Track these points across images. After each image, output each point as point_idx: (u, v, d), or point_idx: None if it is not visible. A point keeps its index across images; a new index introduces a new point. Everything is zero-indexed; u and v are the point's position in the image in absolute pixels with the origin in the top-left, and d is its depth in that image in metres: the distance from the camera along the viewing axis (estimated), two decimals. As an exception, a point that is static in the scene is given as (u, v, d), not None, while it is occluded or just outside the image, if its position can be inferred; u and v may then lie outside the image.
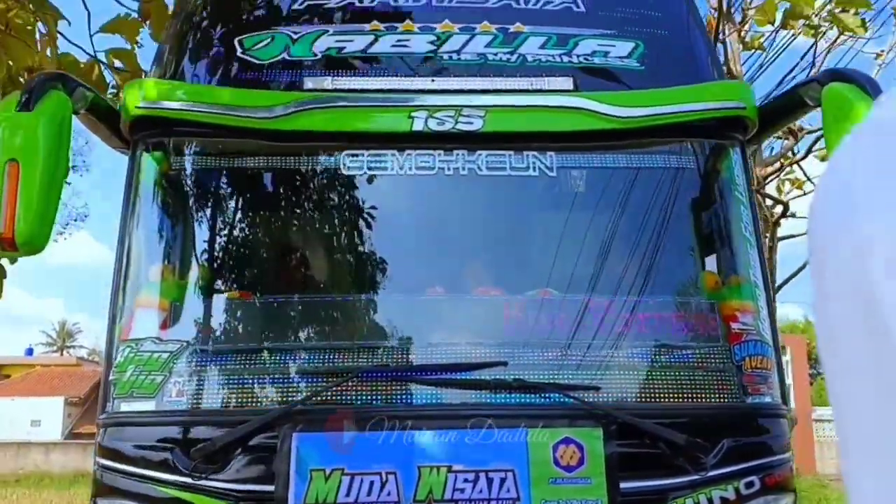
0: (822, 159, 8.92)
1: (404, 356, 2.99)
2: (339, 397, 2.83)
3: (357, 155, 3.21)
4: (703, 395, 2.93)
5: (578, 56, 3.43)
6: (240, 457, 2.73)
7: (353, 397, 2.82)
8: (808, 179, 9.09)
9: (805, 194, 9.38)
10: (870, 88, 2.89)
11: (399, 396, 2.86)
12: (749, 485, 2.79)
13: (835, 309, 0.55)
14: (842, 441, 0.55)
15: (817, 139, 9.14)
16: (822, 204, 0.58)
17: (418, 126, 3.16)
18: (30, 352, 43.97)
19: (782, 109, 3.44)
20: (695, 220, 3.42)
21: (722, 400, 2.95)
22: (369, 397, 2.83)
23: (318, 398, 2.82)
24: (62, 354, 54.83)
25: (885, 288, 0.49)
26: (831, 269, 0.55)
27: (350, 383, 2.84)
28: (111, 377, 2.88)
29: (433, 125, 3.16)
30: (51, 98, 2.78)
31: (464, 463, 2.69)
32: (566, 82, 3.34)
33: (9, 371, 38.50)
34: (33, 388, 33.67)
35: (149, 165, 3.24)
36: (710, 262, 3.35)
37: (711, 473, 2.77)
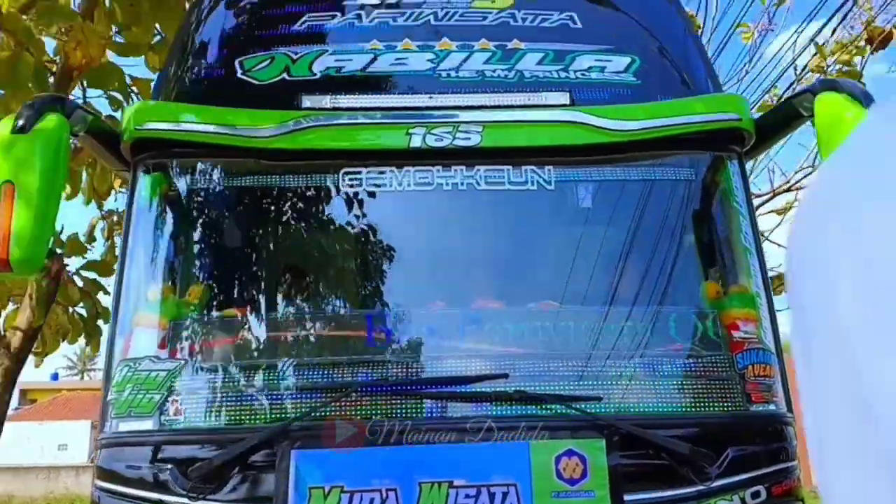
0: (779, 214, 9.36)
1: (403, 370, 2.92)
2: (337, 413, 2.76)
3: (356, 172, 3.19)
4: (707, 404, 2.86)
5: (575, 71, 3.40)
6: (238, 475, 2.67)
7: (352, 413, 2.76)
8: (764, 236, 9.63)
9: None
10: (863, 98, 2.85)
11: (398, 411, 2.79)
12: (755, 494, 2.71)
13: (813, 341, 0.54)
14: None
15: (761, 204, 9.82)
16: (800, 235, 0.57)
17: (416, 142, 3.13)
18: (55, 377, 44.26)
19: (778, 120, 3.37)
20: (695, 231, 3.36)
21: (725, 409, 2.87)
22: (368, 412, 2.76)
23: (316, 414, 2.76)
24: (83, 378, 55.18)
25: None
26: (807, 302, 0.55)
27: (348, 399, 2.78)
28: (109, 397, 2.84)
29: (431, 141, 3.13)
30: (48, 120, 2.76)
31: (465, 478, 2.63)
32: (563, 97, 3.31)
33: (35, 396, 38.81)
34: (60, 413, 33.89)
35: (149, 186, 3.22)
36: (711, 272, 3.30)
37: (716, 484, 2.69)
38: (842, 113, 2.84)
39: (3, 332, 6.06)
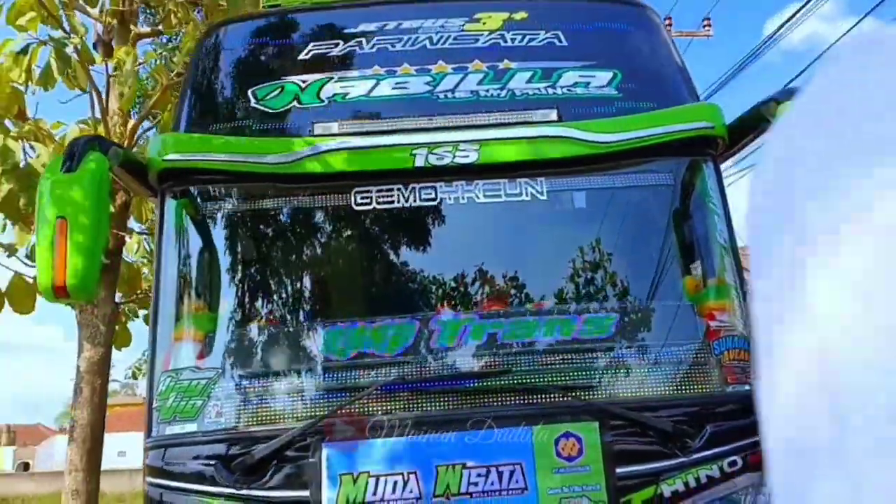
0: None
1: (419, 369, 3.11)
2: (362, 409, 2.98)
3: (366, 191, 3.36)
4: (688, 387, 3.05)
5: (562, 87, 3.55)
6: (277, 467, 2.89)
7: (375, 409, 2.97)
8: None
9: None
10: None
11: (416, 404, 3.00)
12: (732, 464, 2.89)
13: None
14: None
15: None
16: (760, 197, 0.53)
17: (419, 162, 3.30)
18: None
19: (747, 126, 3.48)
20: (675, 231, 3.51)
21: (704, 390, 3.05)
22: (390, 407, 2.98)
23: (344, 410, 2.96)
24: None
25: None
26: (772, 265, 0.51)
27: (371, 396, 2.99)
28: (155, 404, 3.05)
29: (433, 160, 3.30)
30: (91, 158, 2.96)
31: (476, 460, 2.84)
32: (551, 113, 3.46)
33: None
34: (116, 425, 34.51)
35: (176, 211, 3.41)
36: (690, 268, 3.42)
37: (697, 456, 2.89)
38: None
39: None
